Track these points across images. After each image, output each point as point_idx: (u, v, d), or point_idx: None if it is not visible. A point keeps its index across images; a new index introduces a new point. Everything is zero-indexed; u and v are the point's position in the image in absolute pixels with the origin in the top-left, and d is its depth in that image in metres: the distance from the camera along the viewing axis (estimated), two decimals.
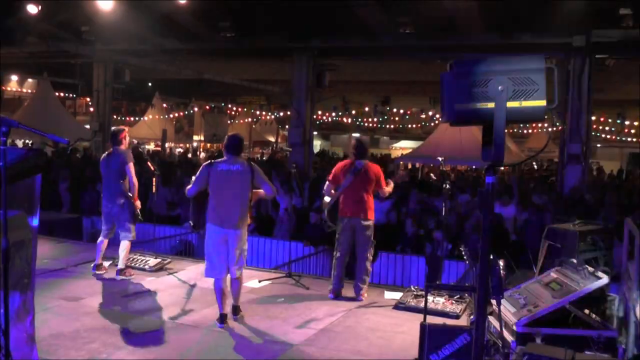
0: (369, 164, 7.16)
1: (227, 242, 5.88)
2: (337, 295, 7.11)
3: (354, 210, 7.00)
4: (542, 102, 2.99)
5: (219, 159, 6.04)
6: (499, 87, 2.97)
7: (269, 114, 34.36)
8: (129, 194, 7.43)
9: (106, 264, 7.77)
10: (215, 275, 5.95)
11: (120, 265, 7.54)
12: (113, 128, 7.85)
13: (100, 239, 7.66)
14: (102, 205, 7.61)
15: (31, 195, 3.58)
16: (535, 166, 27.96)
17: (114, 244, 7.77)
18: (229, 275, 5.98)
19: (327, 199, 7.30)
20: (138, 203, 7.56)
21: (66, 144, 4.94)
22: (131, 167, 7.40)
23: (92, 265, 7.67)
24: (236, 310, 6.16)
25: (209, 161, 6.07)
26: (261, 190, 6.03)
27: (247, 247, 6.08)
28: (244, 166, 5.90)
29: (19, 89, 30.26)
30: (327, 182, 7.33)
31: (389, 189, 7.27)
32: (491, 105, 2.98)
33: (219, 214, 5.88)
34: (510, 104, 2.97)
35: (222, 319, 5.95)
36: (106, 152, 7.69)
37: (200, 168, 6.03)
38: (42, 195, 3.79)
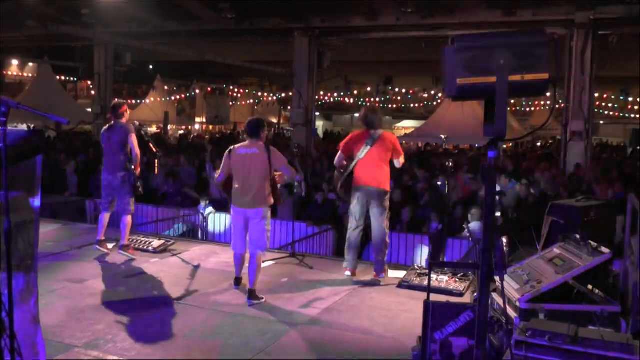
0: (385, 133, 6.90)
1: (246, 220, 6.15)
2: (352, 272, 6.95)
3: (370, 179, 6.71)
4: (545, 75, 2.95)
5: (239, 144, 6.30)
6: (501, 61, 2.93)
7: (271, 95, 34.26)
8: (131, 166, 7.42)
9: (110, 245, 7.79)
10: (234, 250, 6.35)
11: (123, 241, 7.58)
12: (114, 101, 7.76)
13: (102, 213, 7.67)
14: (103, 178, 7.59)
15: (32, 176, 3.56)
16: (539, 144, 27.90)
17: (115, 225, 7.78)
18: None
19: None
20: (138, 171, 7.53)
21: (66, 124, 4.93)
22: (134, 137, 7.38)
23: (95, 241, 7.71)
24: (251, 294, 6.06)
25: (230, 147, 6.31)
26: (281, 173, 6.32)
27: (269, 228, 6.26)
28: (261, 149, 6.11)
29: (20, 73, 30.23)
30: (338, 152, 6.97)
31: (402, 159, 6.99)
32: (493, 79, 2.95)
33: (238, 195, 6.15)
34: (512, 78, 2.94)
35: (236, 281, 6.44)
36: (107, 125, 7.63)
37: (224, 155, 6.32)
38: (45, 179, 3.78)
